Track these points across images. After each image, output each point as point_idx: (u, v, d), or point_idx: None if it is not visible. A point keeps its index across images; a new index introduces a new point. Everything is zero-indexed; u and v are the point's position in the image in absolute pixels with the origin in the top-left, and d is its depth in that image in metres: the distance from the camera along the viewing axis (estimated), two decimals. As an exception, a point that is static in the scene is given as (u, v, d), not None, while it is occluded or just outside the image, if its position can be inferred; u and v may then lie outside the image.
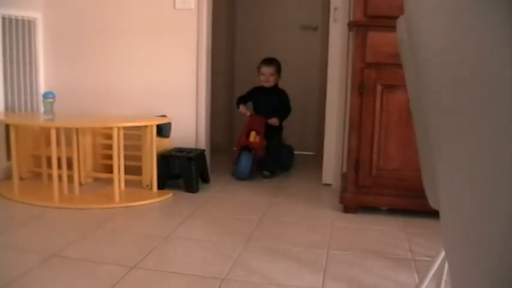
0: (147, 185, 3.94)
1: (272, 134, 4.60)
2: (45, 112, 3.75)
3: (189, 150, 4.09)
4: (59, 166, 3.66)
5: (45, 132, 3.92)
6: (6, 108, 4.22)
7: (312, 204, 3.72)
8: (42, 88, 4.59)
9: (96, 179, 4.16)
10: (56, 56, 4.62)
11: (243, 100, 4.77)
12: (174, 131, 4.20)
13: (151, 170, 3.88)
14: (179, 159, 3.92)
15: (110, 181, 3.85)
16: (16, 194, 3.75)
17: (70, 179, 3.76)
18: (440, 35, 0.76)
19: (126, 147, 3.96)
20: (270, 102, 4.66)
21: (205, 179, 4.15)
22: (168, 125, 4.08)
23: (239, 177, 4.38)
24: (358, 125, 3.40)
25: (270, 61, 4.68)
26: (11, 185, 3.83)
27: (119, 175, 3.71)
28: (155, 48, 4.40)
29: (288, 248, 2.85)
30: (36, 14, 4.57)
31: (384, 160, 3.40)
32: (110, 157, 4.00)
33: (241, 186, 4.20)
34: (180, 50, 4.34)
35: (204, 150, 4.24)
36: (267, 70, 4.64)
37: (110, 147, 4.03)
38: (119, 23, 4.47)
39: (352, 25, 3.54)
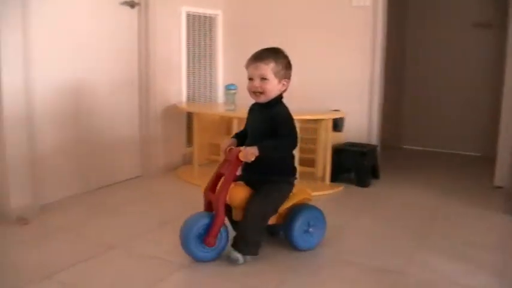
0: (320, 177, 4.02)
1: (259, 180, 2.60)
2: (226, 103, 3.95)
3: (362, 145, 4.12)
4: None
5: (226, 121, 4.13)
6: (188, 98, 4.50)
7: (483, 207, 3.57)
8: (220, 80, 4.84)
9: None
10: (234, 50, 4.84)
11: (242, 132, 2.85)
12: (346, 126, 4.25)
13: (324, 163, 3.96)
14: (352, 154, 3.98)
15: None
16: (195, 178, 3.99)
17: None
18: None
19: (300, 139, 4.06)
20: (260, 126, 2.69)
21: (376, 175, 4.16)
22: (342, 119, 4.14)
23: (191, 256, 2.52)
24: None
25: (261, 55, 2.64)
26: (191, 170, 4.09)
27: (294, 166, 3.81)
28: (330, 44, 4.47)
29: (463, 248, 2.76)
30: (216, 11, 4.82)
31: None
32: (284, 148, 4.13)
33: (410, 184, 4.12)
34: (354, 47, 4.38)
35: (377, 146, 4.26)
36: (255, 71, 2.62)
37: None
38: (295, 18, 4.60)
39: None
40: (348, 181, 4.01)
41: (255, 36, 4.76)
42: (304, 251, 2.65)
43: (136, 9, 4.00)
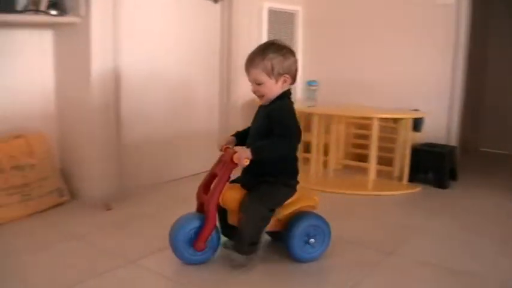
0: (397, 177, 4.00)
1: (255, 182, 2.42)
2: (307, 99, 3.98)
3: (441, 146, 4.07)
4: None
5: (304, 118, 4.15)
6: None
7: None
8: (299, 76, 4.85)
9: (345, 166, 4.30)
10: (314, 45, 4.86)
11: (245, 131, 2.63)
12: (424, 126, 4.20)
13: (402, 163, 3.94)
14: (432, 154, 3.93)
15: (359, 169, 4.00)
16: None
17: (324, 164, 3.95)
18: None
19: (379, 138, 4.04)
20: (259, 125, 2.51)
21: (454, 177, 4.08)
22: (422, 119, 4.10)
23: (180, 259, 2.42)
24: None
25: (250, 58, 2.46)
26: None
27: (372, 165, 3.81)
28: (412, 42, 4.41)
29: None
30: (296, 7, 4.85)
31: None
32: (361, 146, 4.14)
33: (489, 187, 4.00)
34: (436, 46, 4.30)
35: (456, 147, 4.19)
36: (249, 77, 2.48)
37: (361, 137, 4.17)
38: (376, 16, 4.57)
39: None
40: (426, 182, 3.95)
41: (334, 32, 4.77)
42: (305, 262, 2.46)
43: (219, 4, 4.07)
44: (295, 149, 2.44)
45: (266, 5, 4.49)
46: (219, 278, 2.31)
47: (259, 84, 2.41)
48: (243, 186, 2.44)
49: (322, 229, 2.49)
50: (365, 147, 4.08)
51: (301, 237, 2.43)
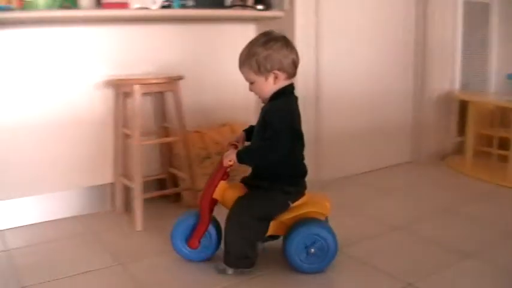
0: None
1: (252, 184, 2.31)
2: (509, 93, 3.83)
3: None
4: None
5: (500, 112, 4.01)
6: (461, 86, 4.43)
7: None
8: (494, 69, 4.69)
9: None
10: (510, 37, 4.64)
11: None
12: None
13: None
14: None
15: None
16: (467, 169, 3.94)
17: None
18: None
19: None
20: (258, 126, 2.29)
21: None
22: None
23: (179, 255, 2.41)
24: None
25: (239, 57, 2.25)
26: (462, 160, 4.04)
27: None
28: None
29: None
30: (493, -4, 4.66)
31: None
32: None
33: None
34: None
35: None
36: (243, 76, 2.28)
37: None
38: None
39: None
40: None
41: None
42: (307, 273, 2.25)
43: (414, -3, 4.06)
44: (286, 154, 2.15)
45: (462, -3, 4.37)
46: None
47: (252, 83, 2.23)
48: (245, 185, 2.33)
49: (326, 239, 2.22)
50: None
51: (298, 245, 2.21)
